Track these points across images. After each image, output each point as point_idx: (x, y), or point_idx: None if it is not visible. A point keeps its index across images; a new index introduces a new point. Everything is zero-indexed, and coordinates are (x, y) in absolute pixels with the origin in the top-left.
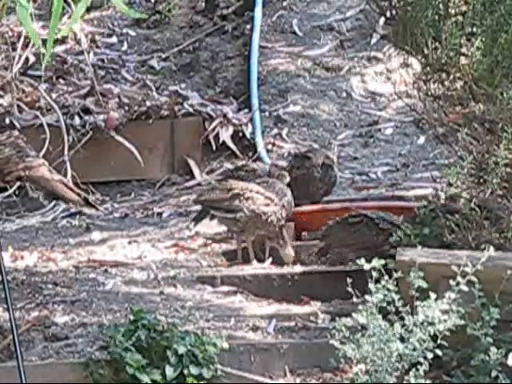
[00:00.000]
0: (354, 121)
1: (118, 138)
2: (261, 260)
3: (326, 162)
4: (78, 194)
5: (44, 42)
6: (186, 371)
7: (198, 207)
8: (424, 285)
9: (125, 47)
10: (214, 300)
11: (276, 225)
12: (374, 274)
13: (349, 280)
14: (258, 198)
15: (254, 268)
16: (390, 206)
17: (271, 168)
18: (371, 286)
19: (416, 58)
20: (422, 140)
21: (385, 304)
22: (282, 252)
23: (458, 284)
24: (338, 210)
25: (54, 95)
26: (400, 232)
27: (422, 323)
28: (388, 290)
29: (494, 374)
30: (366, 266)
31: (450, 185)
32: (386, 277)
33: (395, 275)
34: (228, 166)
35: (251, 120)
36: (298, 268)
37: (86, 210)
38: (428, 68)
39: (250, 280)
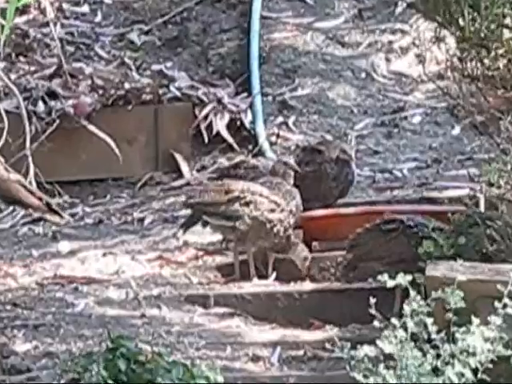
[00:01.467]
0: (376, 107)
1: (91, 127)
2: (262, 275)
3: (342, 156)
4: (40, 198)
5: (3, 12)
6: None
7: (188, 211)
8: (462, 306)
9: (99, 18)
10: (206, 324)
11: (282, 236)
12: (401, 292)
13: (371, 300)
14: (262, 202)
15: (255, 285)
16: (419, 210)
17: (276, 165)
18: (397, 306)
19: (450, 30)
20: (457, 130)
21: (415, 329)
22: (293, 255)
23: (505, 306)
24: (355, 215)
25: (13, 76)
26: (431, 242)
27: (460, 353)
28: (419, 312)
29: None
30: (390, 283)
31: (490, 185)
32: (417, 296)
33: (432, 294)
34: (223, 161)
35: (251, 106)
36: (308, 285)
37: (49, 217)
38: (464, 43)
39: (250, 300)
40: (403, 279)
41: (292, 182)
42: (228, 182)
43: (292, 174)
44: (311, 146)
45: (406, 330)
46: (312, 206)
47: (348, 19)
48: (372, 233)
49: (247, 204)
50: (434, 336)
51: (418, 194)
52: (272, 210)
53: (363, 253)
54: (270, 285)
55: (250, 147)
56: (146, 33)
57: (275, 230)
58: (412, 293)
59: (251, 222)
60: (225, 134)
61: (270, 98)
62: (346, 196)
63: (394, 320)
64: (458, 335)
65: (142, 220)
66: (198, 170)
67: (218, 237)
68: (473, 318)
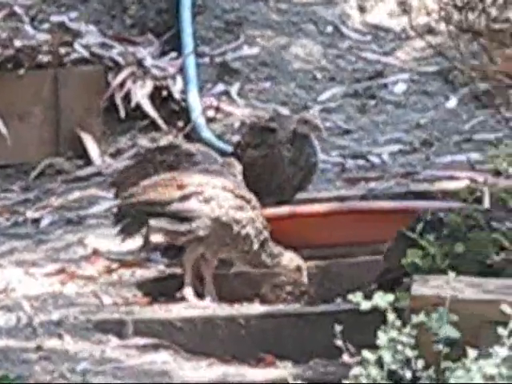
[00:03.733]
0: (346, 71)
1: None
2: (198, 294)
3: (301, 130)
4: None
5: None
6: None
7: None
8: (456, 335)
9: None
10: (122, 359)
11: (254, 240)
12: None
13: (337, 327)
14: (226, 197)
15: (188, 308)
16: (403, 207)
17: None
18: (380, 336)
19: None
20: (453, 102)
21: (395, 366)
22: (280, 268)
23: (511, 334)
24: (319, 216)
25: None
26: (418, 250)
27: None
28: (401, 343)
29: None
30: (364, 305)
31: (497, 174)
32: (397, 321)
33: (414, 319)
34: (144, 143)
35: (182, 70)
36: (257, 308)
37: None
38: None
39: (181, 327)
40: (382, 300)
41: (237, 171)
42: (181, 173)
43: (236, 163)
44: (261, 124)
45: (382, 366)
46: (263, 203)
47: None
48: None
49: (207, 201)
50: (419, 374)
51: (403, 187)
52: (240, 208)
53: (394, 263)
54: (207, 307)
55: (181, 124)
56: None
57: (243, 232)
58: (390, 317)
59: (212, 224)
60: (147, 106)
61: (206, 59)
62: (307, 189)
63: (367, 353)
64: (449, 373)
65: (37, 221)
66: (113, 155)
67: (138, 243)
68: (469, 349)
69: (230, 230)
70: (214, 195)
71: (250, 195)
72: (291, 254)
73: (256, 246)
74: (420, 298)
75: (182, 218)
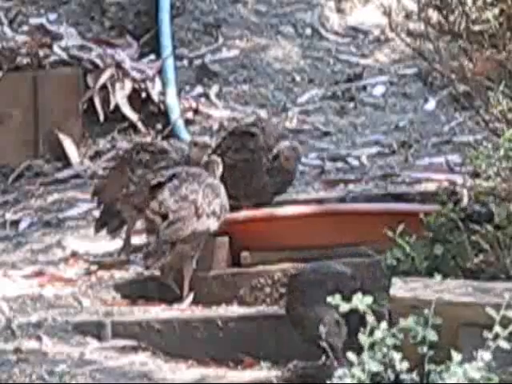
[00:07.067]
0: (325, 73)
1: None
2: (176, 297)
3: (287, 153)
4: None
5: None
6: None
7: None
8: (435, 338)
9: None
10: (101, 361)
11: None
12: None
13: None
14: None
15: (166, 310)
16: (382, 210)
17: (193, 149)
18: (363, 338)
19: None
20: (432, 104)
21: (376, 368)
22: None
23: (496, 337)
24: (297, 218)
25: None
26: (397, 251)
27: None
28: (382, 344)
29: None
30: (344, 307)
31: (476, 176)
32: (381, 324)
33: (400, 321)
34: (124, 145)
35: (160, 72)
36: (236, 310)
37: None
38: None
39: (159, 329)
40: (361, 302)
41: (219, 173)
42: None
43: (219, 162)
44: (241, 127)
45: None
46: (242, 206)
47: None
48: None
49: None
50: (403, 376)
51: (381, 189)
52: None
53: None
54: (185, 309)
55: (160, 126)
56: None
57: None
58: (370, 319)
59: None
60: (126, 109)
61: (185, 61)
62: (286, 192)
63: (351, 355)
64: (434, 376)
65: (16, 223)
66: (92, 158)
67: (116, 245)
68: (453, 352)
69: None
70: None
71: None
72: None
73: None
74: (398, 300)
75: None
